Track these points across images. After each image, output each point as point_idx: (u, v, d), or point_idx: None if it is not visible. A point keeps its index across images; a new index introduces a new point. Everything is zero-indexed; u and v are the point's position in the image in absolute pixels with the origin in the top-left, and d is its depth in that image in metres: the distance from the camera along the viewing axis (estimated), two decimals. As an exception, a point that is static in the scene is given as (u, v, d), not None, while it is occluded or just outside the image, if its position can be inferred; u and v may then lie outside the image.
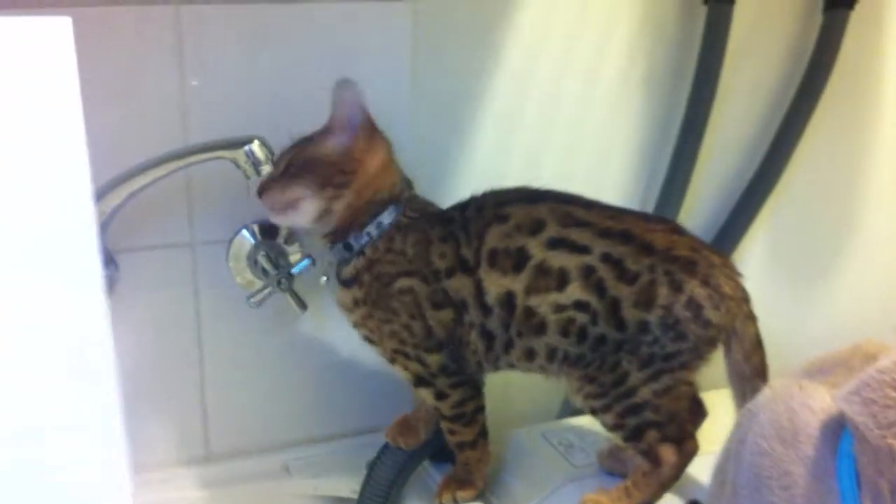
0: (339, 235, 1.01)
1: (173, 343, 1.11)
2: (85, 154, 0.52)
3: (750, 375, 0.98)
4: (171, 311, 1.09)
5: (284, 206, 0.98)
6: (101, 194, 0.95)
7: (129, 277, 1.05)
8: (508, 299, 0.98)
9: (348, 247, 1.01)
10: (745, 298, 0.98)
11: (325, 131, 0.99)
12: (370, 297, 1.00)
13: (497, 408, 1.07)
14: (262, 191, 0.98)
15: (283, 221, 1.03)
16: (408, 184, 1.04)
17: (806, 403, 0.70)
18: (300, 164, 0.98)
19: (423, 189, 1.13)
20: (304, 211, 0.99)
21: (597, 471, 1.10)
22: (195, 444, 1.15)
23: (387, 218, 1.00)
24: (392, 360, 1.03)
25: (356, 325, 1.03)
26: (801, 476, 0.66)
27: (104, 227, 0.97)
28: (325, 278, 1.05)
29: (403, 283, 1.00)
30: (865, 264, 1.49)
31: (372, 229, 1.00)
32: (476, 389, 1.05)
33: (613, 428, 1.00)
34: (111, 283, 1.04)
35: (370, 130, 0.99)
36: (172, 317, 1.09)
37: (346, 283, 1.02)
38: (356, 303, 1.01)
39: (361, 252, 1.00)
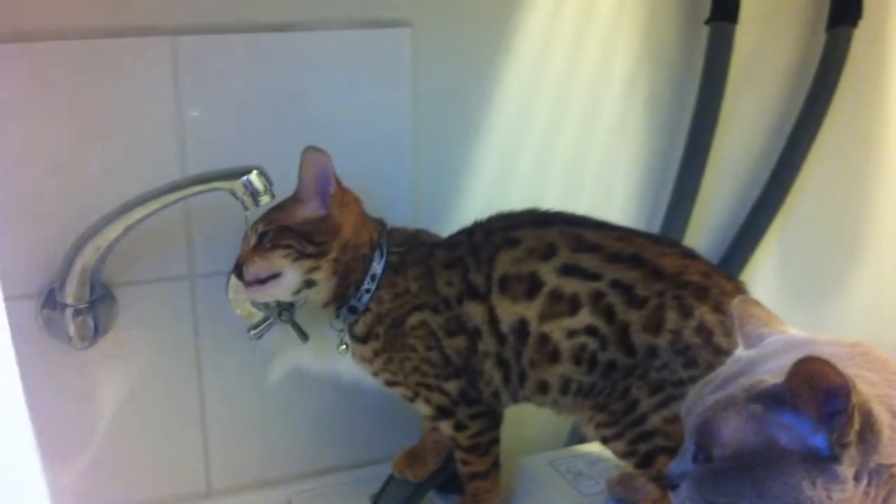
0: (339, 301, 1.01)
1: (173, 377, 1.09)
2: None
3: None
4: (170, 345, 1.08)
5: (265, 278, 0.97)
6: (98, 227, 0.94)
7: (127, 311, 1.04)
8: (521, 327, 0.97)
9: (353, 309, 1.00)
10: None
11: (296, 200, 0.99)
12: (387, 343, 1.00)
13: (505, 435, 1.06)
14: (241, 264, 0.97)
15: (262, 296, 1.00)
16: (382, 226, 1.03)
17: None
18: (275, 233, 0.97)
19: (425, 214, 1.13)
20: (284, 284, 0.98)
21: (606, 499, 1.09)
22: (196, 480, 1.14)
23: (377, 267, 1.00)
24: (415, 396, 1.02)
25: (377, 374, 1.03)
26: None
27: (102, 260, 0.96)
28: (343, 346, 1.04)
29: (415, 318, 0.99)
30: (876, 282, 1.48)
31: (368, 284, 0.99)
32: (494, 421, 1.04)
33: (624, 455, 0.98)
34: (110, 318, 1.02)
35: (342, 194, 0.99)
36: (172, 350, 1.08)
37: (361, 340, 1.02)
38: (376, 353, 1.01)
39: (367, 308, 1.00)
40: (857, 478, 0.63)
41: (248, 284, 0.97)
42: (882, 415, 0.63)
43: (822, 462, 0.63)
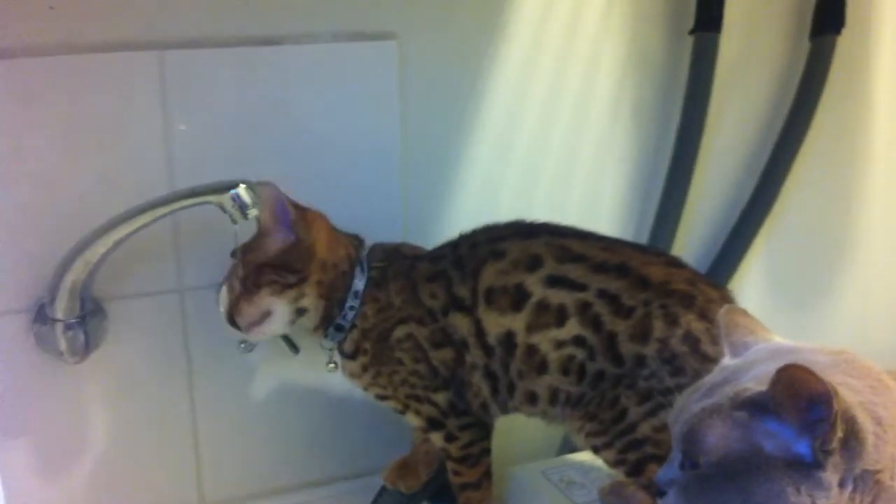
0: (326, 322, 1.01)
1: (164, 391, 1.09)
2: None
3: None
4: (161, 358, 1.08)
5: (258, 320, 0.97)
6: (87, 242, 0.94)
7: (117, 325, 1.04)
8: (508, 339, 0.97)
9: (340, 327, 1.01)
10: None
11: (262, 236, 0.98)
12: (375, 358, 1.00)
13: (497, 445, 1.06)
14: (232, 314, 0.98)
15: (260, 336, 1.01)
16: (359, 241, 1.03)
17: None
18: (254, 274, 0.96)
19: (413, 225, 1.13)
20: (277, 319, 0.98)
21: (598, 508, 1.08)
22: (188, 493, 1.13)
23: (359, 283, 1.00)
24: (405, 408, 1.02)
25: (367, 388, 1.03)
26: None
27: (91, 275, 0.96)
28: (332, 364, 1.04)
29: (400, 331, 0.99)
30: (863, 289, 1.48)
31: (352, 301, 0.99)
32: (485, 432, 1.04)
33: (615, 464, 0.98)
34: (100, 332, 1.02)
35: (303, 216, 0.98)
36: (163, 364, 1.08)
37: (350, 356, 1.02)
38: (364, 368, 1.02)
39: (353, 325, 1.00)
40: (841, 484, 0.63)
41: (245, 329, 0.98)
42: (866, 422, 0.63)
43: (806, 469, 0.63)
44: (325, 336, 1.02)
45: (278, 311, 0.97)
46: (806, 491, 0.63)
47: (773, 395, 0.64)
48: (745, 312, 0.80)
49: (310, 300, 0.98)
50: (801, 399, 0.62)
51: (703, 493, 0.67)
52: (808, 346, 0.72)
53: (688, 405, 0.70)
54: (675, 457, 0.70)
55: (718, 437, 0.66)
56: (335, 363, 1.04)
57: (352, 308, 0.99)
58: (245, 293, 0.97)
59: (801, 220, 1.40)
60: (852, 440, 0.63)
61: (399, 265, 1.01)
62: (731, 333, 0.77)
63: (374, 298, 1.00)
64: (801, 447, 0.64)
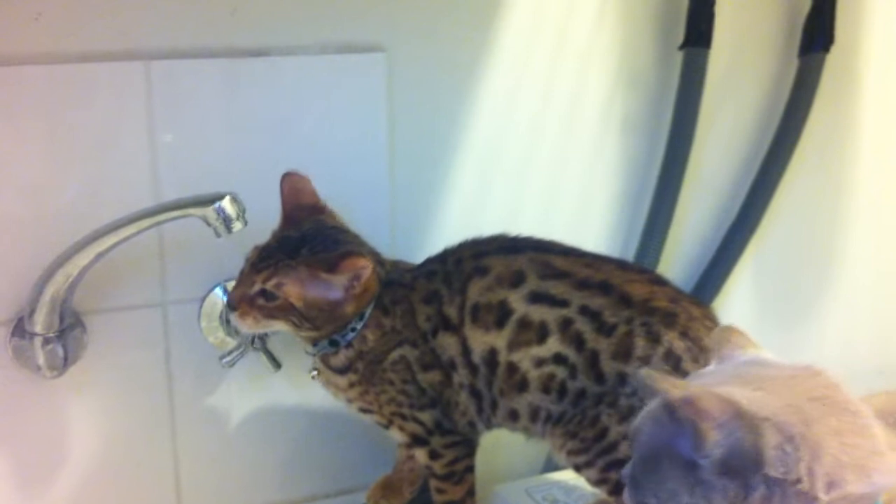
0: (321, 337, 0.99)
1: (144, 407, 1.07)
2: None
3: None
4: (141, 373, 1.06)
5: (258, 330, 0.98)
6: (69, 255, 0.93)
7: (98, 340, 1.03)
8: (491, 356, 0.96)
9: (334, 343, 0.99)
10: None
11: (314, 269, 0.94)
12: (365, 377, 0.99)
13: (481, 462, 1.05)
14: (235, 309, 0.95)
15: (251, 331, 1.00)
16: (383, 269, 1.00)
17: None
18: (280, 308, 0.94)
19: (401, 239, 1.12)
20: (275, 330, 0.98)
21: (582, 527, 1.08)
22: (168, 512, 1.12)
23: (367, 309, 0.98)
24: (389, 424, 1.01)
25: (350, 401, 1.02)
26: None
27: (72, 288, 0.95)
28: (315, 372, 1.03)
29: (395, 354, 0.98)
30: (849, 308, 1.48)
31: (356, 324, 0.98)
32: (469, 449, 1.03)
33: (597, 483, 0.98)
34: (80, 347, 1.01)
35: (363, 291, 0.96)
36: (143, 379, 1.07)
37: (338, 371, 1.00)
38: (351, 385, 1.00)
39: (349, 344, 0.98)
40: (747, 488, 0.66)
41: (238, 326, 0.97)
42: (768, 435, 0.65)
43: (698, 472, 0.67)
44: (314, 346, 1.00)
45: (280, 329, 0.97)
46: (700, 493, 0.67)
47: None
48: (739, 332, 0.81)
49: (318, 334, 0.98)
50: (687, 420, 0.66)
51: (639, 484, 0.72)
52: (774, 361, 0.75)
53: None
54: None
55: (648, 434, 0.71)
56: (317, 370, 1.03)
57: (353, 330, 0.98)
58: (259, 307, 0.95)
59: (789, 237, 1.40)
60: (745, 450, 0.65)
61: (400, 288, 0.99)
62: (722, 348, 0.79)
63: (379, 324, 0.98)
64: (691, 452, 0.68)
